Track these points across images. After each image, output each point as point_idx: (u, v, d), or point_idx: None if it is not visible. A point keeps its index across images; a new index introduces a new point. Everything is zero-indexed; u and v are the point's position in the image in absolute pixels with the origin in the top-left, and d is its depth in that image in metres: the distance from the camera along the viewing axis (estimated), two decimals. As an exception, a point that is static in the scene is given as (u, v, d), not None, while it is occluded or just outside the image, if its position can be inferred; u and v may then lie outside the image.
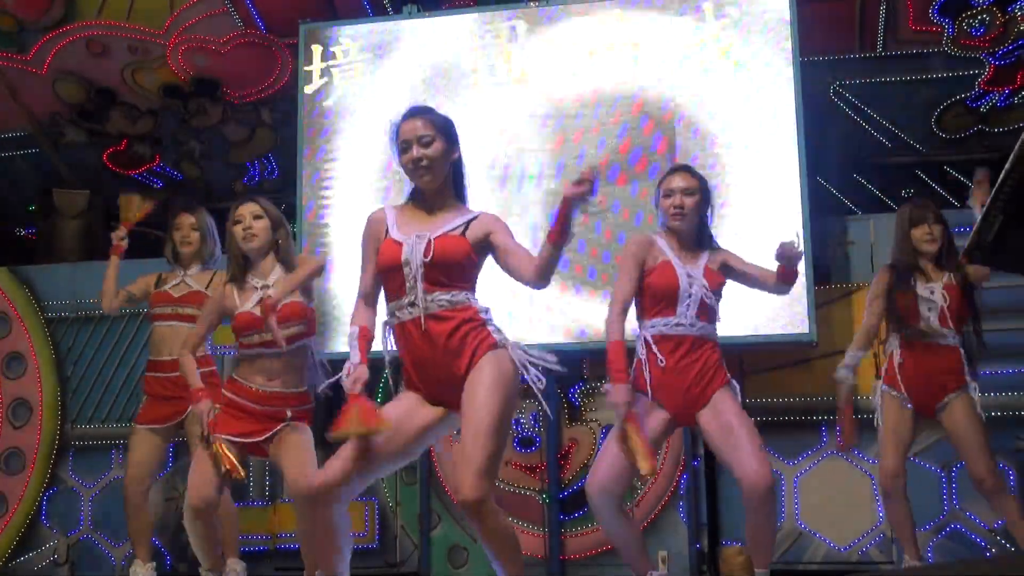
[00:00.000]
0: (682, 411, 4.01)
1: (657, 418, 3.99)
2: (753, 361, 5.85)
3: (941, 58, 6.77)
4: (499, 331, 3.31)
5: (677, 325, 3.99)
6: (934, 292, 4.64)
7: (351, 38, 6.40)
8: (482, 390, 3.16)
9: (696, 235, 4.13)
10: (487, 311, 3.33)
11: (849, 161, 7.21)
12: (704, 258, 4.09)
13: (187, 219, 5.23)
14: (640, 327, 4.08)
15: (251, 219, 4.35)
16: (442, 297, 3.24)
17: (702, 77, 5.87)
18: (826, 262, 6.00)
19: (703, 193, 4.11)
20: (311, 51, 6.41)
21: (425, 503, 6.04)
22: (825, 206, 6.44)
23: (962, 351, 4.65)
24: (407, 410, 3.30)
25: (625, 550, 4.10)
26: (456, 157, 3.41)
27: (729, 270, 4.12)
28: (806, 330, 5.51)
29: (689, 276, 4.00)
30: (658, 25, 5.98)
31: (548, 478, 5.92)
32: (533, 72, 6.10)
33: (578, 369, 6.06)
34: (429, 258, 3.23)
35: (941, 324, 4.63)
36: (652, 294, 4.02)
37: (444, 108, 3.66)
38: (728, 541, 5.71)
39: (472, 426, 3.13)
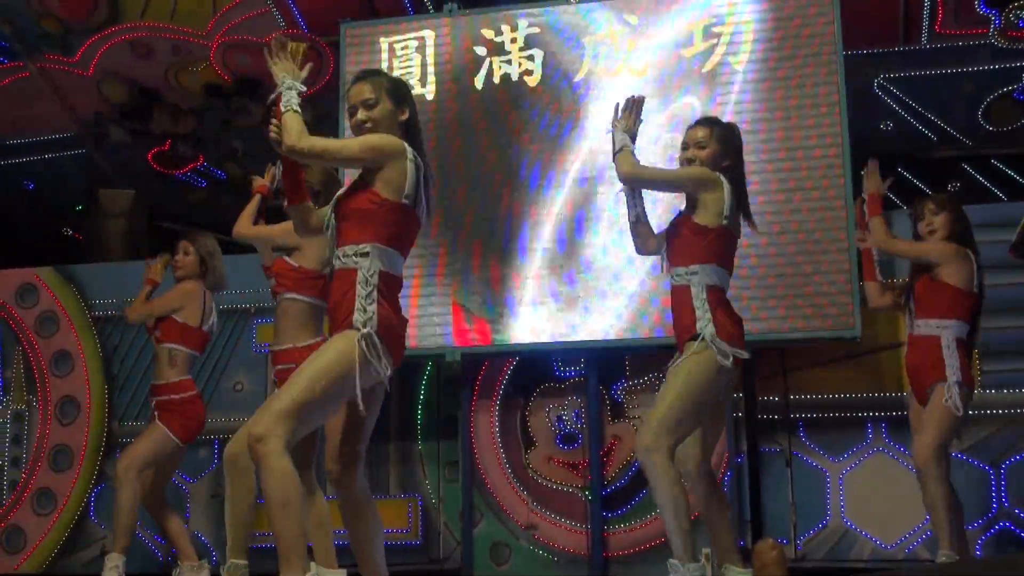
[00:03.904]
0: None
1: None
2: (797, 357, 5.81)
3: (987, 50, 6.67)
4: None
5: None
6: None
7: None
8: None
9: None
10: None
11: (894, 155, 7.14)
12: None
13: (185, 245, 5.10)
14: (705, 272, 3.67)
15: None
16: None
17: (746, 71, 5.83)
18: (871, 257, 5.93)
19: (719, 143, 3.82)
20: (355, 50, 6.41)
21: (468, 500, 6.05)
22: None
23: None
24: None
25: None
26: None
27: None
28: (851, 326, 5.44)
29: None
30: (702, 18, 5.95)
31: (591, 475, 5.92)
32: (571, 68, 6.09)
33: (621, 366, 6.05)
34: None
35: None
36: (732, 239, 3.79)
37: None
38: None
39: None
